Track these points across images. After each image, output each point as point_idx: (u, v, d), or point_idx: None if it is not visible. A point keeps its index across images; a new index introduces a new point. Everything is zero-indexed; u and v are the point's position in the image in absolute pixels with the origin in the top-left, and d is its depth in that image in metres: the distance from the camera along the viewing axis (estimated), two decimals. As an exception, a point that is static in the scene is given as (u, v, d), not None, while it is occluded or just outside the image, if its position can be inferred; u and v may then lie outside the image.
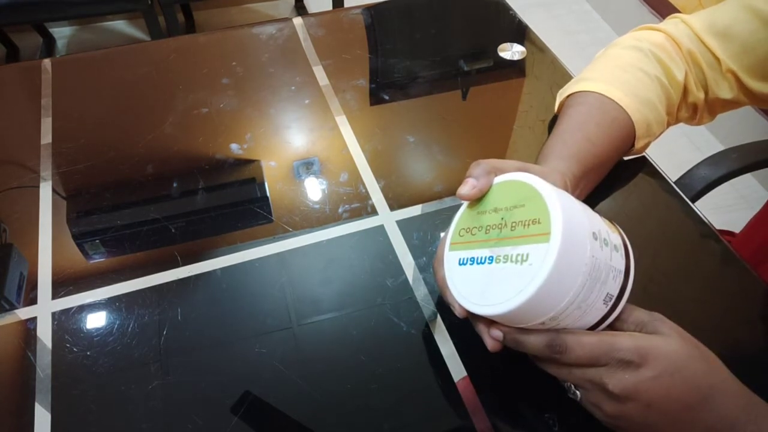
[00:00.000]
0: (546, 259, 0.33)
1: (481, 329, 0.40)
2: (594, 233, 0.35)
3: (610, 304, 0.36)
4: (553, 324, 0.36)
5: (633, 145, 0.55)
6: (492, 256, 0.37)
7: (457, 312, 0.40)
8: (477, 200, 0.41)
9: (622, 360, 0.35)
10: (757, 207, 0.82)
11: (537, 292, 0.33)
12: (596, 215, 0.38)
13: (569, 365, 0.37)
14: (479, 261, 0.38)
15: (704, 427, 0.35)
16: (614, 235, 0.37)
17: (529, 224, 0.36)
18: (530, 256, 0.34)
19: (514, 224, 0.37)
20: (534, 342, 0.37)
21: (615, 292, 0.36)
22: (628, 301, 0.38)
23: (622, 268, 0.37)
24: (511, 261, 0.36)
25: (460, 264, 0.40)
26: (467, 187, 0.40)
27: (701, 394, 0.35)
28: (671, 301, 0.49)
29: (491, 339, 0.39)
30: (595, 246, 0.35)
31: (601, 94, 0.53)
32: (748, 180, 1.63)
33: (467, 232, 0.41)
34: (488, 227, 0.39)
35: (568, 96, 0.57)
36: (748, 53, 0.53)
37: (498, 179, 0.41)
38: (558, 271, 0.33)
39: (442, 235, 0.45)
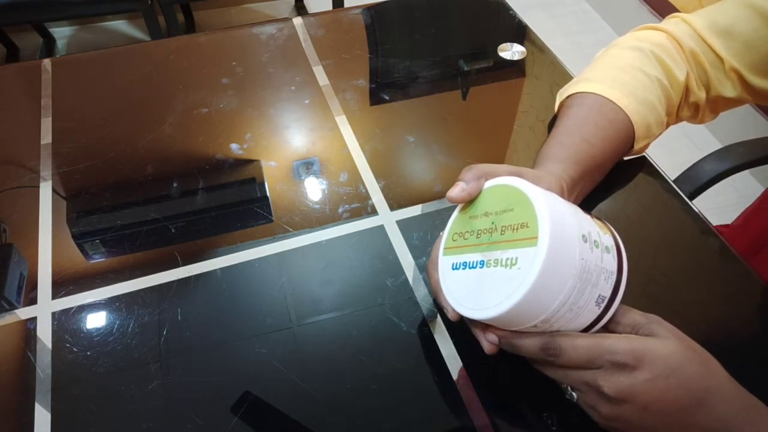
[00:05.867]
0: (534, 263, 0.33)
1: (477, 332, 0.41)
2: (583, 235, 0.35)
3: (603, 305, 0.36)
4: (545, 326, 0.36)
5: (632, 146, 0.55)
6: (483, 261, 0.38)
7: (450, 315, 0.40)
8: (469, 204, 0.42)
9: (617, 362, 0.35)
10: (757, 206, 0.82)
11: (525, 296, 0.34)
12: (587, 217, 0.38)
13: (564, 367, 0.37)
14: (471, 265, 0.39)
15: (701, 429, 0.35)
16: (606, 237, 0.37)
17: (517, 228, 0.36)
18: (519, 260, 0.35)
19: (503, 228, 0.37)
20: (528, 345, 0.37)
21: (607, 294, 0.36)
22: (623, 302, 0.38)
23: (614, 269, 0.37)
24: (501, 265, 0.36)
25: (453, 268, 0.40)
26: (456, 190, 0.41)
27: (697, 396, 0.35)
28: (671, 301, 0.49)
29: (487, 342, 0.40)
30: (584, 248, 0.35)
31: (601, 95, 0.53)
32: (749, 179, 1.63)
33: (460, 236, 0.41)
34: (479, 232, 0.39)
35: (567, 97, 0.56)
36: (751, 51, 0.53)
37: (488, 183, 0.41)
38: (546, 274, 0.33)
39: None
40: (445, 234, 0.43)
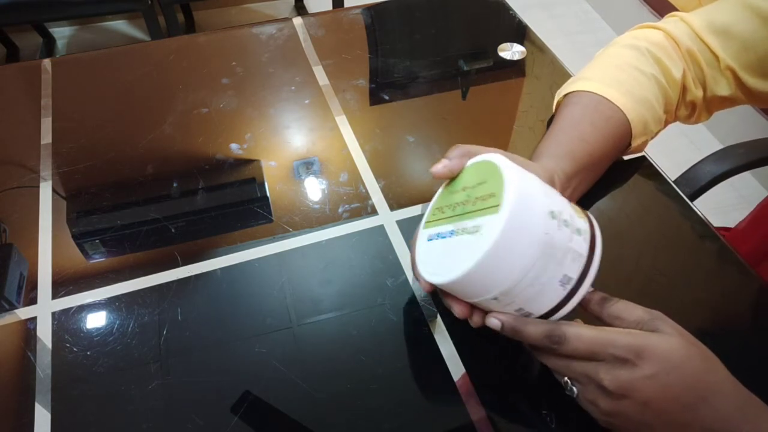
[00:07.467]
0: (493, 229, 0.34)
1: (449, 301, 0.41)
2: (552, 212, 0.35)
3: (569, 287, 0.36)
4: (507, 300, 0.36)
5: (630, 144, 0.55)
6: (453, 230, 0.38)
7: (422, 286, 0.41)
8: (452, 181, 0.43)
9: (618, 357, 0.35)
10: (758, 207, 0.81)
11: (482, 259, 0.34)
12: (564, 200, 0.38)
13: (567, 357, 0.37)
14: (442, 235, 0.40)
15: (700, 427, 0.35)
16: (580, 221, 0.37)
17: (486, 198, 0.36)
18: (482, 227, 0.35)
19: (476, 199, 0.38)
20: (533, 332, 0.37)
21: (574, 275, 0.36)
22: (627, 298, 0.38)
23: (584, 252, 0.36)
24: (467, 233, 0.37)
25: (428, 240, 0.41)
26: (439, 166, 0.42)
27: (697, 393, 0.35)
28: (671, 301, 0.49)
29: (459, 306, 0.40)
30: (551, 224, 0.35)
31: (597, 94, 0.53)
32: (749, 180, 1.63)
33: (439, 210, 0.42)
34: (455, 204, 0.40)
35: (564, 96, 0.57)
36: (748, 51, 0.53)
37: (471, 161, 0.42)
38: (505, 241, 0.33)
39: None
40: (428, 210, 0.44)
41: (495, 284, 0.35)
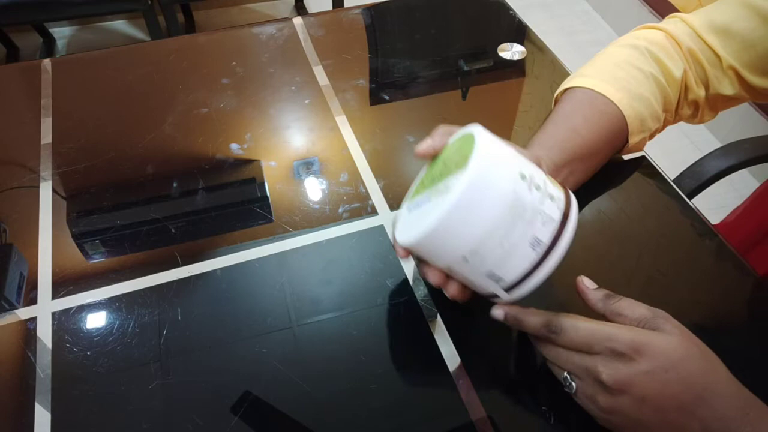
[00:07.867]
0: (459, 184, 0.34)
1: (424, 269, 0.42)
2: (522, 174, 0.36)
3: (540, 251, 0.36)
4: (477, 262, 0.36)
5: (627, 141, 0.55)
6: (428, 196, 0.39)
7: (398, 252, 0.41)
8: (435, 159, 0.44)
9: (616, 351, 0.35)
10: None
11: (448, 213, 0.34)
12: (540, 170, 0.38)
13: (566, 349, 0.38)
14: (419, 204, 0.40)
15: (699, 427, 0.35)
16: (555, 189, 0.38)
17: (460, 162, 0.37)
18: (451, 186, 0.36)
19: (450, 165, 0.38)
20: (533, 321, 0.39)
21: (546, 239, 0.36)
22: (630, 296, 0.38)
23: (556, 217, 0.36)
24: (439, 193, 0.37)
25: (408, 211, 0.42)
26: (423, 145, 0.43)
27: (695, 393, 0.35)
28: (670, 301, 0.49)
29: (433, 274, 0.41)
30: (520, 184, 0.35)
31: (592, 90, 0.53)
32: (748, 179, 1.63)
33: (421, 185, 0.43)
34: (434, 176, 0.41)
35: (561, 92, 0.57)
36: (749, 50, 0.54)
37: (452, 137, 0.43)
38: (470, 194, 0.34)
39: None
40: (412, 187, 0.45)
41: (463, 242, 0.35)
